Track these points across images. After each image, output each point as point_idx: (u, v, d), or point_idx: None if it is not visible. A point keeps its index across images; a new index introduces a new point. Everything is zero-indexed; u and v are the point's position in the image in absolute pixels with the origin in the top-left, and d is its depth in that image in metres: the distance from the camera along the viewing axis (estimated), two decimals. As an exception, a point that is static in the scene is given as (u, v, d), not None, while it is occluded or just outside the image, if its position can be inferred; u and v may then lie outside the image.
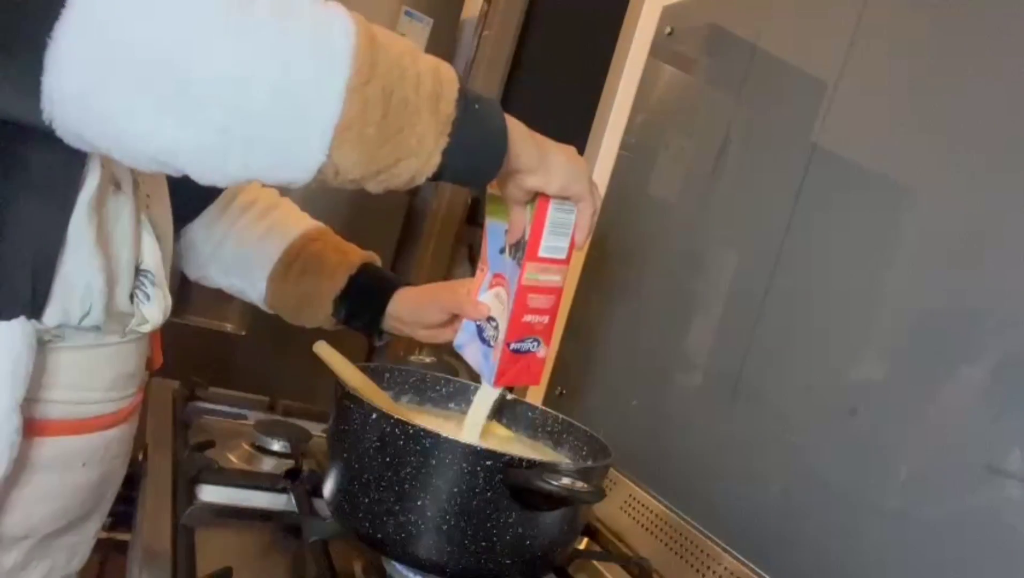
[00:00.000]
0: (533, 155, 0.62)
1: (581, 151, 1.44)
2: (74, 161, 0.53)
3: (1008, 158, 0.66)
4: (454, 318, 0.83)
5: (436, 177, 0.55)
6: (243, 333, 1.96)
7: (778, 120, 0.93)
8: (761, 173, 0.93)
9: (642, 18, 1.29)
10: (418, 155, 0.52)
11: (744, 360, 0.87)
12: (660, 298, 1.07)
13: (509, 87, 2.22)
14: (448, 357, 1.72)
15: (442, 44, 2.09)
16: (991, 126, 0.68)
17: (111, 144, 0.47)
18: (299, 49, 0.46)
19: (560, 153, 0.65)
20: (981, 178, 0.68)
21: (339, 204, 2.00)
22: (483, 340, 0.75)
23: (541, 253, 0.69)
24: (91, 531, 0.68)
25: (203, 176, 0.49)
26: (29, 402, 0.54)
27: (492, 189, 0.71)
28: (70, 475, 0.60)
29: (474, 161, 0.57)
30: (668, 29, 1.20)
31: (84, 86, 0.43)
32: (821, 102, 0.85)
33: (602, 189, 1.26)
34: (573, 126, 1.44)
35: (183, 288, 1.88)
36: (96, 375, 0.61)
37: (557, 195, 0.66)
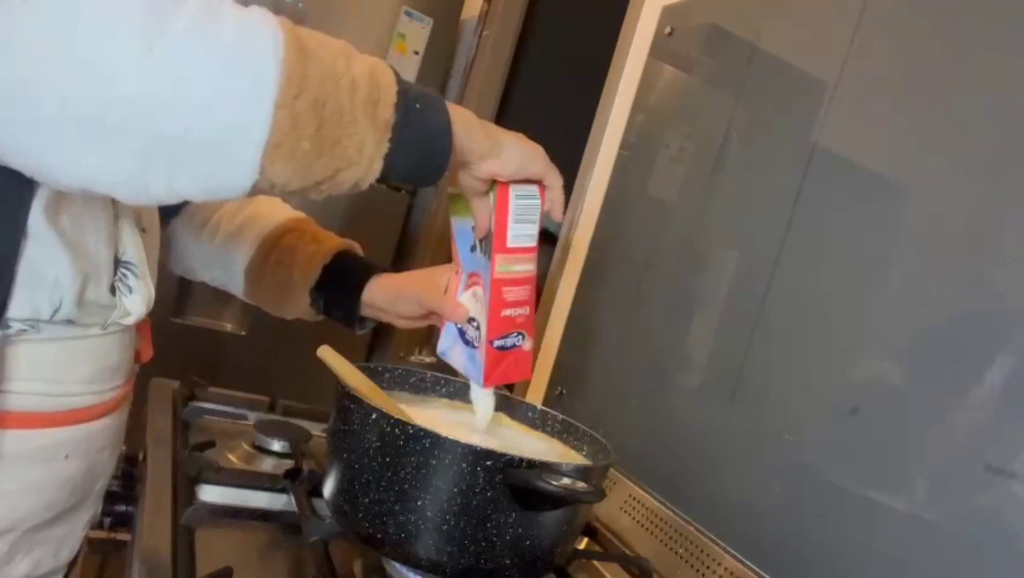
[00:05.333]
0: (483, 143, 0.61)
1: (581, 151, 1.44)
2: None
3: (1008, 158, 0.66)
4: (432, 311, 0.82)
5: (381, 181, 0.54)
6: (243, 333, 1.96)
7: (778, 120, 0.93)
8: (761, 173, 0.93)
9: (642, 18, 1.29)
10: (358, 164, 0.51)
11: (744, 360, 0.87)
12: (660, 298, 1.07)
13: (509, 87, 2.22)
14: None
15: (442, 44, 2.09)
16: (991, 126, 0.68)
17: (32, 171, 0.46)
18: (222, 68, 0.44)
19: (512, 136, 0.64)
20: (981, 178, 0.68)
21: (338, 207, 2.00)
22: (466, 342, 0.74)
23: (509, 243, 0.67)
24: (80, 524, 0.68)
25: (127, 199, 0.47)
26: (6, 395, 0.54)
27: (452, 188, 0.69)
28: (54, 467, 0.60)
29: (418, 163, 0.56)
30: (668, 29, 1.20)
31: None
32: (821, 102, 0.85)
33: (602, 189, 1.27)
34: (573, 126, 1.44)
35: (183, 288, 1.88)
36: (76, 367, 0.60)
37: (513, 178, 0.65)
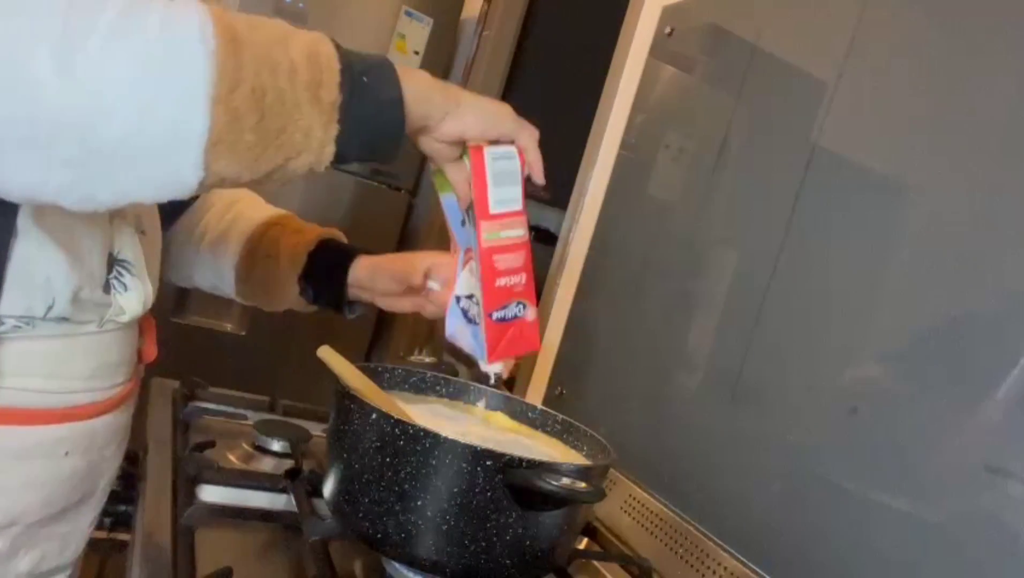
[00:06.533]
0: (440, 104, 0.59)
1: (581, 151, 1.44)
2: None
3: (1008, 158, 0.66)
4: (411, 289, 0.83)
5: (340, 162, 0.53)
6: (243, 333, 1.96)
7: (778, 120, 0.93)
8: (761, 173, 0.93)
9: (642, 18, 1.29)
10: (308, 149, 0.50)
11: (744, 360, 0.87)
12: (660, 298, 1.07)
13: (509, 87, 2.22)
14: (448, 357, 1.72)
15: (442, 44, 2.09)
16: (991, 126, 0.68)
17: None
18: (149, 72, 0.43)
19: (474, 96, 0.62)
20: (981, 178, 0.68)
21: (338, 207, 2.00)
22: (469, 321, 0.71)
23: (492, 209, 0.64)
24: (84, 521, 0.68)
25: (76, 208, 0.46)
26: (3, 391, 0.55)
27: (434, 164, 0.66)
28: (53, 463, 0.60)
29: (372, 139, 0.54)
30: (668, 29, 1.20)
31: None
32: (821, 102, 0.85)
33: (602, 189, 1.27)
34: (573, 126, 1.44)
35: (183, 288, 1.89)
36: (74, 364, 0.60)
37: (481, 138, 0.62)
